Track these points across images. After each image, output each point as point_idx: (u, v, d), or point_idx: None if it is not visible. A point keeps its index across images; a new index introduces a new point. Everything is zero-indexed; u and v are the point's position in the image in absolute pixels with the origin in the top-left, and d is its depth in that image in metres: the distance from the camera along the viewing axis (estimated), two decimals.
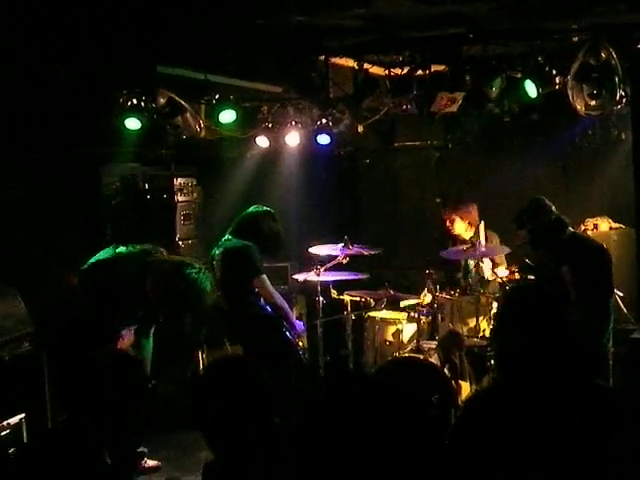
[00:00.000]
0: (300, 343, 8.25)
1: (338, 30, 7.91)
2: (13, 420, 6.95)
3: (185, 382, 9.77)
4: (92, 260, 7.40)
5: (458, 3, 7.06)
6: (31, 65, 7.70)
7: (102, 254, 7.44)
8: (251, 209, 8.05)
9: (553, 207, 7.81)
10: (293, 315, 8.17)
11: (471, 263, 9.36)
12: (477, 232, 9.20)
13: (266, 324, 7.73)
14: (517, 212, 7.96)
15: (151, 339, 7.50)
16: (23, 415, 7.05)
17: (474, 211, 9.37)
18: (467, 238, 9.25)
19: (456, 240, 9.44)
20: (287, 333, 7.82)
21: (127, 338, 7.66)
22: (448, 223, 9.40)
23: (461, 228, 9.34)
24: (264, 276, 7.63)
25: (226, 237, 7.92)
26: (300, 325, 8.06)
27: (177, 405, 9.28)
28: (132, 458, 7.23)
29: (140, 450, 7.59)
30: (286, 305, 7.87)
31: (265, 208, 8.05)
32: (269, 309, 7.74)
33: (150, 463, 8.06)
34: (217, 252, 7.84)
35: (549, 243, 7.82)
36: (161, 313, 7.30)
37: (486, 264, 9.10)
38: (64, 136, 8.85)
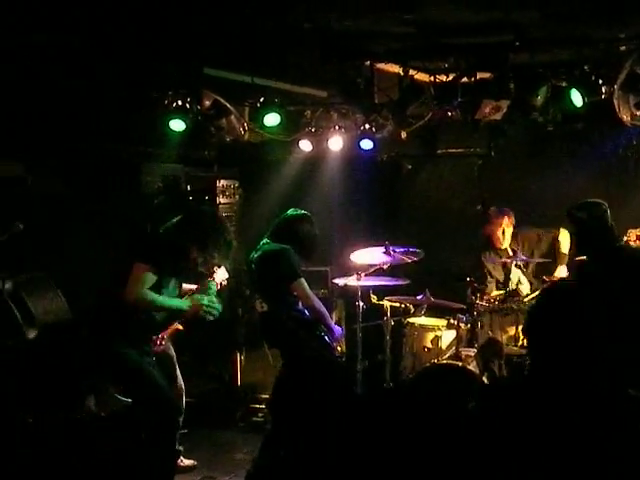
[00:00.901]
0: (339, 348, 8.22)
1: (384, 35, 7.93)
2: None
3: (222, 382, 9.83)
4: None
5: (505, 10, 7.05)
6: (83, 61, 7.77)
7: None
8: (288, 213, 8.05)
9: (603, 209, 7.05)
10: (332, 319, 8.16)
11: (513, 271, 9.34)
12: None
13: (304, 327, 7.73)
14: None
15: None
16: None
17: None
18: (508, 246, 9.29)
19: (496, 248, 9.44)
20: (325, 337, 7.81)
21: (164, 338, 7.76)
22: (502, 232, 9.38)
23: (508, 238, 9.36)
24: (302, 279, 7.63)
25: (264, 241, 7.93)
26: (338, 330, 8.03)
27: (214, 405, 9.36)
28: (172, 456, 7.27)
29: (177, 449, 7.62)
30: (324, 309, 7.84)
31: (302, 212, 8.04)
32: (307, 313, 7.74)
33: (186, 462, 8.10)
34: (255, 255, 7.85)
35: (599, 245, 7.13)
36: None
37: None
38: (108, 133, 8.94)
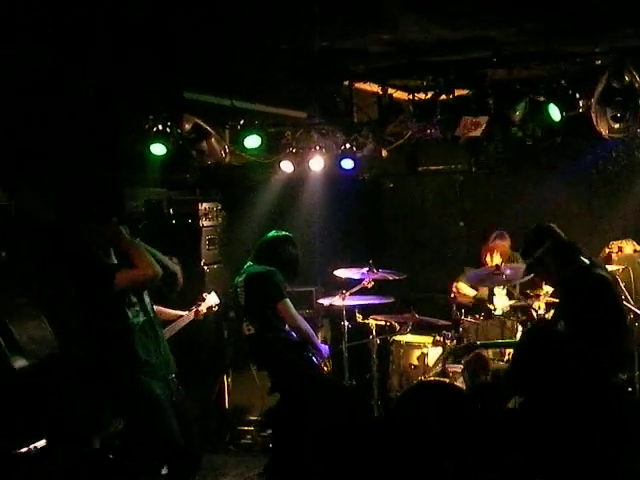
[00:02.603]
0: (325, 367, 8.24)
1: (362, 55, 7.97)
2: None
3: (210, 405, 9.80)
4: None
5: (482, 27, 7.11)
6: (63, 86, 7.77)
7: None
8: (270, 234, 8.07)
9: (556, 233, 6.66)
10: (318, 339, 8.17)
11: (497, 290, 9.36)
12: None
13: (292, 349, 7.74)
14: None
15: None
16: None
17: (509, 244, 9.44)
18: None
19: (481, 265, 9.44)
20: (313, 358, 7.83)
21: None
22: (488, 257, 9.36)
23: (497, 260, 9.32)
24: (288, 300, 7.65)
25: (248, 264, 7.95)
26: (326, 349, 8.05)
27: (202, 428, 9.32)
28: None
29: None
30: (311, 330, 7.87)
31: (284, 233, 8.06)
32: (294, 334, 7.75)
33: None
34: (240, 279, 7.87)
35: (548, 279, 7.14)
36: None
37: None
38: (89, 159, 8.92)
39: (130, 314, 6.61)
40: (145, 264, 6.54)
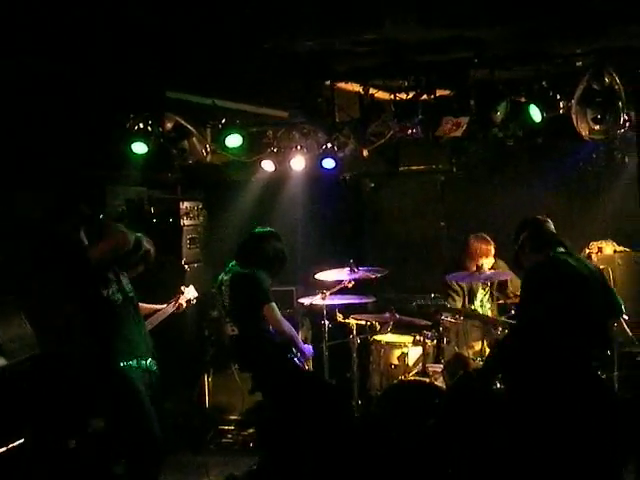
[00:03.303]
0: (306, 367, 8.26)
1: (344, 54, 7.97)
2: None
3: (190, 404, 9.80)
4: None
5: (464, 27, 7.12)
6: (42, 86, 7.75)
7: None
8: (255, 231, 8.07)
9: (537, 225, 6.81)
10: (301, 341, 8.18)
11: (480, 291, 9.39)
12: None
13: (275, 350, 7.75)
14: None
15: None
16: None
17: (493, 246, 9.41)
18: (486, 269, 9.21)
19: (462, 265, 9.41)
20: (296, 359, 7.84)
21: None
22: (481, 257, 9.31)
23: (488, 264, 9.29)
24: (273, 304, 7.65)
25: (233, 263, 7.94)
26: (309, 349, 8.07)
27: (181, 427, 9.31)
28: None
29: None
30: (294, 331, 7.89)
31: (268, 229, 8.07)
32: (277, 335, 7.76)
33: None
34: (225, 278, 7.86)
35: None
36: None
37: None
38: (70, 157, 8.89)
39: (110, 291, 6.65)
40: (114, 232, 6.60)
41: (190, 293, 8.15)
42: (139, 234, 7.16)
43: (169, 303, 7.91)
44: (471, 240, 9.40)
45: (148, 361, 6.81)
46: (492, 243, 9.33)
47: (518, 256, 6.86)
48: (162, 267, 8.63)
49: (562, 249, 6.48)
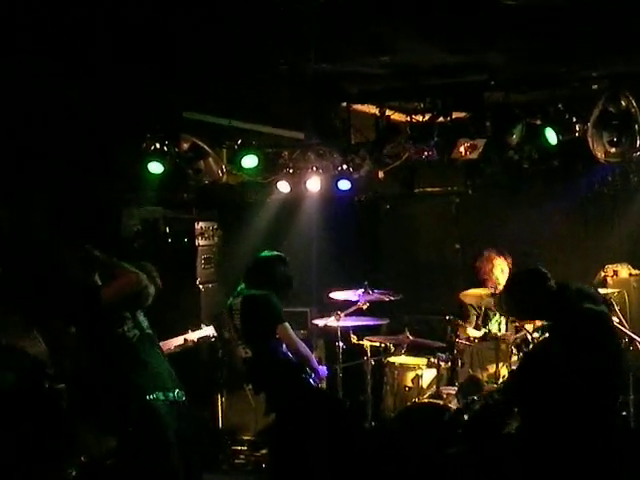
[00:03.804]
0: (320, 388, 8.24)
1: (360, 77, 8.00)
2: None
3: (203, 425, 9.78)
4: None
5: (479, 51, 7.14)
6: (60, 107, 7.80)
7: None
8: (262, 255, 8.05)
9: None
10: (315, 361, 8.16)
11: (492, 310, 9.34)
12: None
13: (290, 371, 7.73)
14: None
15: None
16: None
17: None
18: (502, 283, 9.18)
19: (479, 282, 9.39)
20: (311, 380, 7.82)
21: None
22: (494, 270, 9.31)
23: (500, 276, 9.27)
24: (287, 324, 7.64)
25: (242, 286, 7.92)
26: (324, 370, 8.04)
27: (194, 447, 9.28)
28: None
29: None
30: (309, 352, 7.87)
31: (276, 253, 8.05)
32: (291, 356, 7.75)
33: None
34: (235, 301, 7.83)
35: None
36: None
37: None
38: (87, 177, 8.94)
39: (125, 328, 6.65)
40: (126, 272, 6.61)
41: (207, 331, 8.21)
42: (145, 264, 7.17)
43: (178, 337, 7.97)
44: (485, 254, 9.42)
45: (176, 392, 6.76)
46: (498, 256, 9.34)
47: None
48: (177, 287, 8.65)
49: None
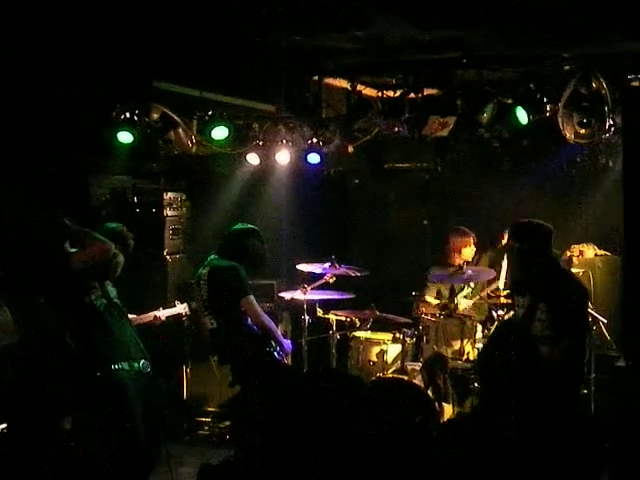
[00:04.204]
0: (285, 361, 8.26)
1: (334, 51, 7.99)
2: None
3: (169, 395, 9.77)
4: None
5: (454, 28, 7.14)
6: (28, 74, 7.72)
7: None
8: (236, 227, 8.05)
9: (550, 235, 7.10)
10: (280, 334, 8.18)
11: (460, 285, 9.38)
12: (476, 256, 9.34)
13: (255, 343, 7.76)
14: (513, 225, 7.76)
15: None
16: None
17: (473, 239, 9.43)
18: (468, 259, 9.26)
19: (446, 263, 9.43)
20: (275, 353, 7.84)
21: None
22: (461, 249, 9.34)
23: (468, 254, 9.33)
24: (252, 297, 7.66)
25: (212, 256, 7.93)
26: (288, 344, 8.06)
27: (158, 419, 9.27)
28: None
29: None
30: (273, 325, 7.89)
31: (250, 226, 8.05)
32: (256, 328, 7.77)
33: None
34: (204, 271, 7.84)
35: (529, 273, 7.20)
36: None
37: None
38: (55, 145, 8.86)
39: (93, 297, 6.63)
40: (95, 241, 6.59)
41: (179, 309, 8.22)
42: (117, 226, 7.16)
43: (147, 314, 7.95)
44: (450, 235, 9.46)
45: (142, 363, 6.76)
46: (471, 234, 9.39)
47: (518, 257, 6.94)
48: (144, 257, 8.63)
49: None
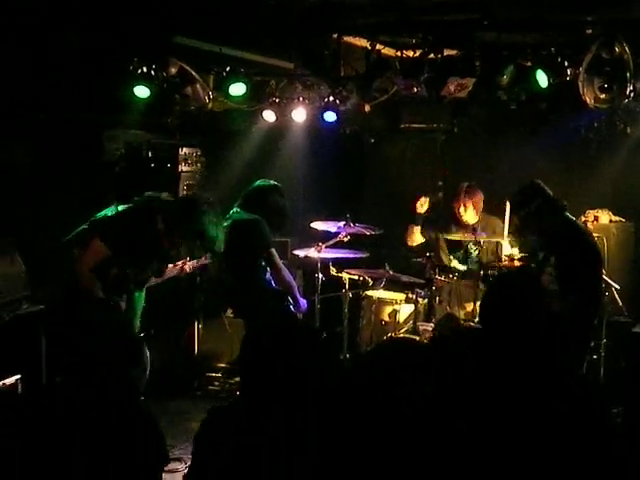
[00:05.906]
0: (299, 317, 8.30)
1: (353, 9, 7.93)
2: (9, 380, 6.93)
3: (179, 351, 9.82)
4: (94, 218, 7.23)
5: None
6: (46, 28, 7.69)
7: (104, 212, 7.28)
8: (259, 182, 8.08)
9: (547, 190, 7.60)
10: (297, 291, 8.19)
11: (472, 247, 9.38)
12: (482, 218, 9.29)
13: (272, 298, 7.77)
14: (512, 196, 7.95)
15: (144, 291, 7.41)
16: (19, 376, 7.03)
17: (482, 198, 9.39)
18: (472, 224, 9.25)
19: (458, 224, 9.42)
20: (291, 308, 7.87)
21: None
22: (461, 209, 9.33)
23: (471, 215, 9.32)
24: (273, 250, 7.70)
25: (234, 210, 7.95)
26: (304, 303, 8.09)
27: (169, 374, 9.34)
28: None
29: None
30: (293, 281, 7.94)
31: (273, 182, 8.10)
32: (274, 284, 7.78)
33: None
34: (225, 224, 7.85)
35: (538, 231, 7.68)
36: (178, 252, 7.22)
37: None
38: (70, 99, 8.85)
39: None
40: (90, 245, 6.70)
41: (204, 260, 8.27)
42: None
43: (175, 265, 7.93)
44: (462, 190, 9.43)
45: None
46: (480, 192, 9.37)
47: (530, 221, 7.09)
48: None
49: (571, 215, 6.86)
